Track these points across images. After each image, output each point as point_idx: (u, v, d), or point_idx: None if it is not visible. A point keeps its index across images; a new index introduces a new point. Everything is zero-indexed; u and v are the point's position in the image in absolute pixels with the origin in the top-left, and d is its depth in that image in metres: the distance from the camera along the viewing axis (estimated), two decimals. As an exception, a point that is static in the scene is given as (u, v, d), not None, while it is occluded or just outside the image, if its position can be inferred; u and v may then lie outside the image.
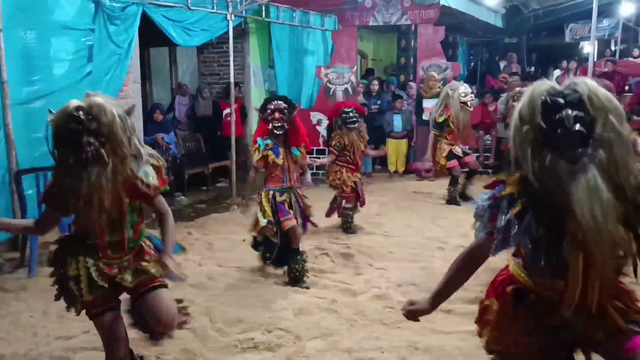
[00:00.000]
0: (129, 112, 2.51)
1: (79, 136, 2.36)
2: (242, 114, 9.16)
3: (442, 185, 8.51)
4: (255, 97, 9.53)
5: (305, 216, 4.72)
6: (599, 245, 1.70)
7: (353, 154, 6.01)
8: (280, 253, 4.64)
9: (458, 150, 7.43)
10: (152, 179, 2.56)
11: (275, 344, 3.55)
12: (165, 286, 2.71)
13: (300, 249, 4.67)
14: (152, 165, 2.59)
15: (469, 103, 7.23)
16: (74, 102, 2.41)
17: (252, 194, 4.89)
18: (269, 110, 4.40)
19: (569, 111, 1.72)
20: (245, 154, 9.44)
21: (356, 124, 5.95)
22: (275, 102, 4.43)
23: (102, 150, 2.38)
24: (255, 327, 3.78)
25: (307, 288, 4.55)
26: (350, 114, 5.93)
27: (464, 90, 7.29)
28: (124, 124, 2.42)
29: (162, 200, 2.74)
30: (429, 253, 5.46)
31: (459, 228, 6.35)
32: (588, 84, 1.76)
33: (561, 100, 1.74)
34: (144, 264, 2.66)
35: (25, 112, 5.39)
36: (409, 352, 3.43)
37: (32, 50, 5.48)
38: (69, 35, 5.82)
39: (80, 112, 2.37)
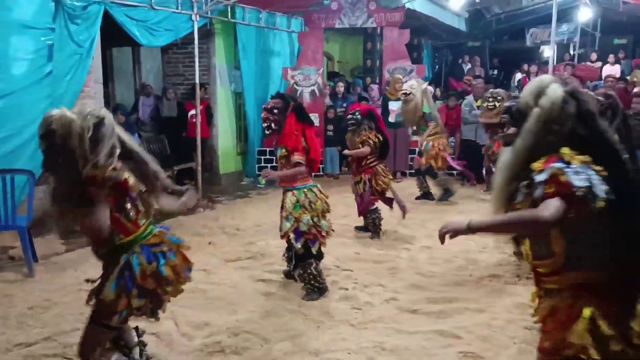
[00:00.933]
0: (97, 124, 2.48)
1: (42, 146, 2.51)
2: (208, 115, 9.08)
3: (408, 186, 8.61)
4: (221, 98, 9.46)
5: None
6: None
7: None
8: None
9: (426, 145, 7.65)
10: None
11: (242, 347, 3.53)
12: (98, 323, 2.73)
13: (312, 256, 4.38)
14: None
15: (401, 95, 7.64)
16: (51, 113, 2.52)
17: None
18: None
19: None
20: (211, 156, 9.37)
21: (352, 127, 5.99)
22: (270, 101, 4.41)
23: (56, 162, 2.47)
24: (221, 331, 3.75)
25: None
26: (349, 116, 6.06)
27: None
28: (82, 136, 2.43)
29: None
30: (395, 253, 5.51)
31: (424, 229, 6.43)
32: (533, 81, 2.03)
33: None
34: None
35: (-18, 112, 5.23)
36: (376, 353, 3.46)
37: (-10, 49, 5.33)
38: (28, 34, 5.66)
39: (52, 125, 2.48)
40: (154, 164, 2.75)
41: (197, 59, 7.74)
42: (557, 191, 1.78)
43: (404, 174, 9.87)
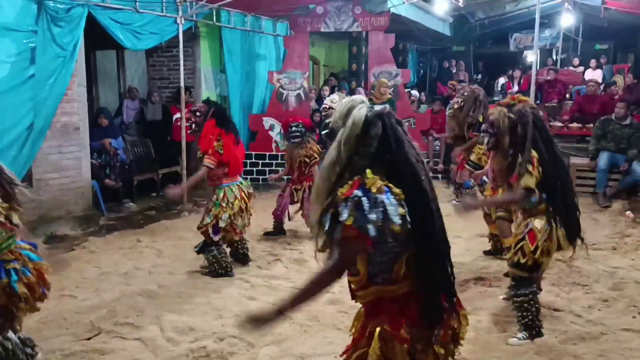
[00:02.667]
0: None
1: None
2: (193, 118, 9.02)
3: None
4: (206, 102, 9.41)
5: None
6: None
7: (291, 166, 6.17)
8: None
9: None
10: None
11: (228, 352, 3.51)
12: None
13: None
14: None
15: (323, 110, 7.46)
16: None
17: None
18: None
19: None
20: (196, 160, 9.31)
21: (298, 139, 6.04)
22: (197, 104, 4.97)
23: None
24: (207, 336, 3.72)
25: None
26: (293, 128, 6.07)
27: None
28: None
29: None
30: (381, 257, 5.51)
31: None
32: (345, 100, 2.08)
33: None
34: None
35: (-37, 116, 5.16)
36: (362, 356, 3.45)
37: (-30, 51, 5.26)
38: (9, 36, 5.60)
39: None
40: (8, 174, 2.78)
41: (182, 62, 7.70)
42: (352, 237, 1.85)
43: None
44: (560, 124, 9.62)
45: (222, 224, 4.75)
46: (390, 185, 1.90)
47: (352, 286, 2.12)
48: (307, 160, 6.03)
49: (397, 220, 1.86)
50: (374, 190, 1.87)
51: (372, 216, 1.84)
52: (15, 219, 2.81)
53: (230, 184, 4.84)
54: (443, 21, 14.74)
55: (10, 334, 3.01)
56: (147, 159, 8.78)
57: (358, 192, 1.86)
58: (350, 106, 2.01)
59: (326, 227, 1.92)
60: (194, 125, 4.88)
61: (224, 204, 4.76)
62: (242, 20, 9.39)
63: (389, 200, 1.87)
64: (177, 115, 8.56)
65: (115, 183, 7.51)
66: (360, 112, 1.97)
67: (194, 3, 7.86)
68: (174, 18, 7.58)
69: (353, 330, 2.19)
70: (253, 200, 5.11)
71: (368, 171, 1.91)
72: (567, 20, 13.90)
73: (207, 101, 5.03)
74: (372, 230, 1.83)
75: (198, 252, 5.01)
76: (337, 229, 1.88)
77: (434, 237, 1.98)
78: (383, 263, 1.96)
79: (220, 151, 4.72)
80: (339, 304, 4.28)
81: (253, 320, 2.00)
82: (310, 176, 6.04)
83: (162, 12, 7.43)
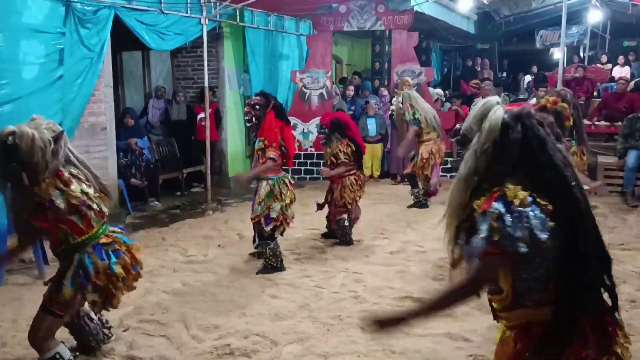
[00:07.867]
0: (56, 138, 2.85)
1: (2, 162, 2.79)
2: (217, 118, 9.10)
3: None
4: (230, 102, 9.48)
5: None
6: None
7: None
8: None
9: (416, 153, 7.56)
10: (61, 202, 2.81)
11: (252, 350, 3.54)
12: (51, 313, 3.01)
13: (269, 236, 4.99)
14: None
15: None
16: (8, 129, 2.82)
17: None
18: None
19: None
20: (220, 159, 9.39)
21: (323, 139, 5.87)
22: (253, 97, 5.00)
23: (23, 175, 2.78)
24: (231, 333, 3.75)
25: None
26: (318, 129, 6.07)
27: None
28: (44, 149, 2.77)
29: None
30: (405, 257, 5.49)
31: (434, 232, 6.40)
32: (479, 103, 1.93)
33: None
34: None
35: (-7, 116, 5.26)
36: (386, 356, 3.44)
37: (0, 53, 5.36)
38: (38, 38, 5.70)
39: (9, 139, 2.74)
40: (93, 170, 3.12)
41: (206, 63, 7.77)
42: (494, 254, 1.71)
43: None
44: (587, 122, 9.46)
45: (273, 215, 4.81)
46: (535, 195, 1.72)
47: (495, 305, 1.93)
48: (334, 159, 5.76)
49: (543, 236, 1.68)
50: (516, 202, 1.70)
51: (518, 233, 1.67)
52: (104, 207, 3.06)
53: (282, 176, 4.91)
54: (467, 19, 14.59)
55: (93, 315, 3.32)
56: (172, 158, 8.88)
57: (498, 206, 1.71)
58: (485, 108, 1.85)
59: (460, 243, 1.81)
60: (253, 119, 4.88)
61: (277, 195, 4.82)
62: (265, 20, 9.44)
63: (534, 213, 1.69)
64: (202, 115, 8.64)
65: (141, 182, 7.61)
66: (497, 114, 1.81)
67: (217, 4, 7.93)
68: (198, 19, 7.66)
69: (497, 357, 1.97)
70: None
71: (508, 181, 1.75)
72: (595, 16, 13.65)
73: (264, 94, 5.02)
74: (519, 247, 1.67)
75: (256, 247, 5.12)
76: (475, 245, 1.73)
77: (590, 252, 1.75)
78: (532, 281, 1.77)
79: (283, 144, 4.85)
80: (362, 303, 4.29)
81: (377, 322, 1.89)
82: (338, 178, 5.76)
83: (187, 13, 7.50)
